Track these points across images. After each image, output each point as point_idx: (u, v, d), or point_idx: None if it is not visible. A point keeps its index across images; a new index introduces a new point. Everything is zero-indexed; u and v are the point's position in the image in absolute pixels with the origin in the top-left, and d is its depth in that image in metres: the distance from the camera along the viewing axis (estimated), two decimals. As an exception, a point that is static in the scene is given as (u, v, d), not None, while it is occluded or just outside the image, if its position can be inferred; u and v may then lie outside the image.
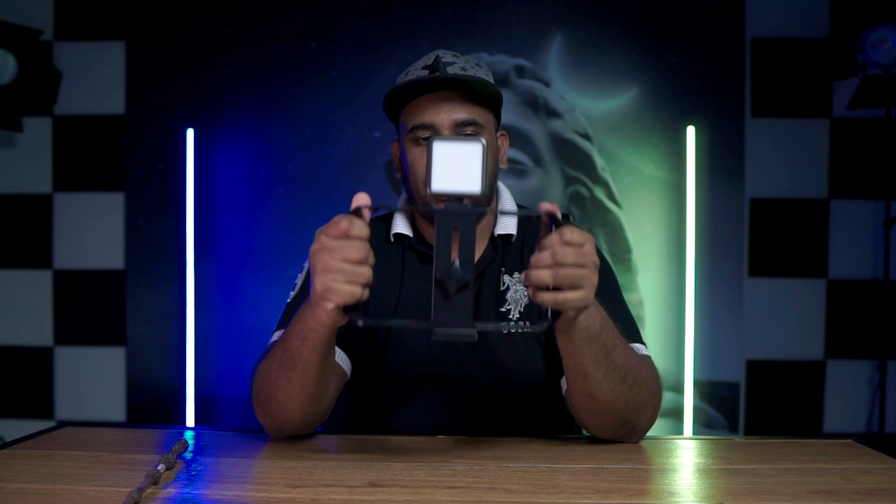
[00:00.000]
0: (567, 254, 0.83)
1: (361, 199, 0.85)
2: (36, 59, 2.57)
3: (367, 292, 0.84)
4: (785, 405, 2.65)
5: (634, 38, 2.60)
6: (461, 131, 1.13)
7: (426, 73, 1.14)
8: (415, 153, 1.14)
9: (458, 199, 0.78)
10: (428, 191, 0.78)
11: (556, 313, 0.86)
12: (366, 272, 0.83)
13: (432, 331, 0.79)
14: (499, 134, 1.23)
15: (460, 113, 1.12)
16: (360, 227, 0.82)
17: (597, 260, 0.87)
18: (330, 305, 0.83)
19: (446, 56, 1.16)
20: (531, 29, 2.61)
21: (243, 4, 2.66)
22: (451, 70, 1.13)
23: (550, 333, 0.87)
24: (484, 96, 1.14)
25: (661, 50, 2.60)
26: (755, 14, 2.60)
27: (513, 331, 1.14)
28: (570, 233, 0.84)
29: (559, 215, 0.86)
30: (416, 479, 0.85)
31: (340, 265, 0.82)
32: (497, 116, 1.21)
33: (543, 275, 0.84)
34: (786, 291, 2.63)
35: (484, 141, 0.78)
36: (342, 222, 0.82)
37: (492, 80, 1.18)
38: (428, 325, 0.79)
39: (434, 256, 0.78)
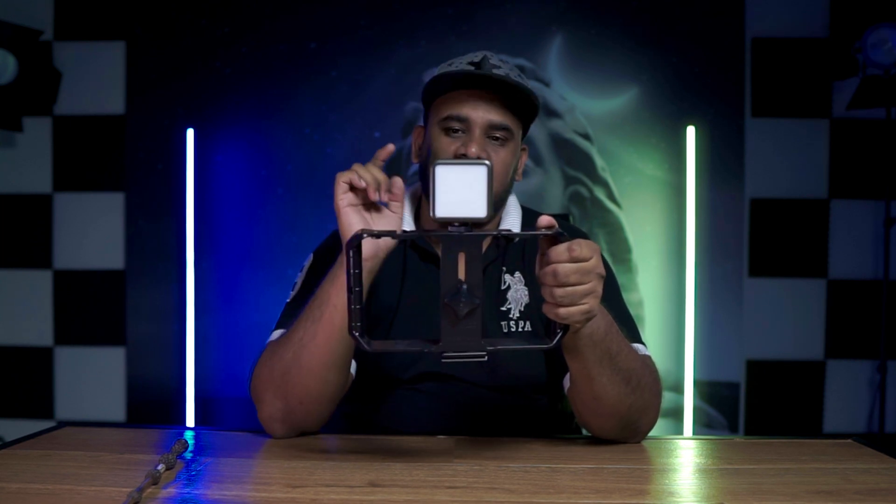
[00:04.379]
0: (570, 272, 0.83)
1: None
2: (36, 59, 2.57)
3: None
4: (785, 405, 2.65)
5: (634, 38, 2.60)
6: (492, 133, 1.12)
7: (472, 69, 1.12)
8: (443, 143, 1.12)
9: (463, 223, 0.77)
10: (432, 216, 0.78)
11: (565, 328, 0.86)
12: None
13: (441, 354, 0.79)
14: (521, 147, 1.22)
15: (496, 115, 1.11)
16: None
17: (603, 272, 0.86)
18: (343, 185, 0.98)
19: (493, 59, 1.14)
20: (531, 29, 2.61)
21: (243, 4, 2.66)
22: (496, 73, 1.11)
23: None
24: (522, 105, 1.13)
25: (661, 50, 2.60)
26: (755, 14, 2.60)
27: (524, 348, 1.12)
28: (578, 248, 0.83)
29: (557, 226, 0.85)
30: (416, 479, 0.85)
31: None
32: (526, 129, 1.20)
33: (546, 293, 0.85)
34: (786, 291, 2.63)
35: (488, 163, 0.77)
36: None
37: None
38: (437, 349, 0.78)
39: (441, 282, 0.77)
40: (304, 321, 1.01)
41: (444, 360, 0.79)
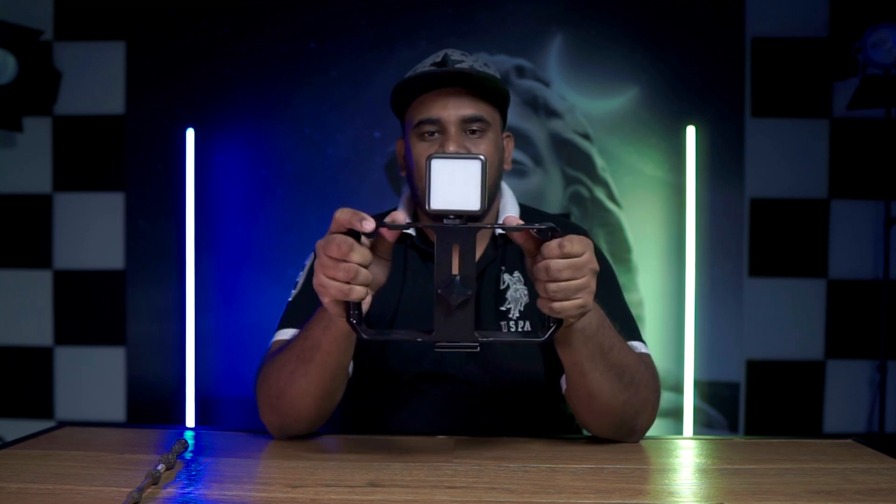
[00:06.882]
0: (562, 268, 0.83)
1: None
2: (36, 59, 2.57)
3: (365, 290, 0.84)
4: (785, 405, 2.65)
5: (634, 38, 2.60)
6: (468, 127, 1.12)
7: (434, 69, 1.13)
8: (420, 149, 1.13)
9: (457, 215, 0.78)
10: (427, 209, 0.78)
11: (559, 322, 0.86)
12: (363, 272, 0.83)
13: (434, 344, 0.80)
14: (504, 135, 1.22)
15: (467, 109, 1.11)
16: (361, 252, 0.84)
17: (596, 267, 0.86)
18: (326, 299, 0.85)
19: (455, 54, 1.15)
20: (531, 29, 2.61)
21: (243, 4, 2.66)
22: (459, 67, 1.12)
23: None
24: (491, 93, 1.14)
25: (661, 50, 2.60)
26: (755, 14, 2.60)
27: (515, 340, 1.13)
28: (570, 244, 0.83)
29: (523, 223, 0.85)
30: (416, 479, 0.85)
31: (336, 265, 0.83)
32: (504, 116, 1.21)
33: (540, 288, 0.85)
34: (786, 291, 2.63)
35: (483, 157, 0.78)
36: (343, 245, 0.82)
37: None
38: (430, 339, 0.80)
39: (435, 273, 0.78)
40: (295, 356, 0.99)
41: (436, 350, 0.80)
